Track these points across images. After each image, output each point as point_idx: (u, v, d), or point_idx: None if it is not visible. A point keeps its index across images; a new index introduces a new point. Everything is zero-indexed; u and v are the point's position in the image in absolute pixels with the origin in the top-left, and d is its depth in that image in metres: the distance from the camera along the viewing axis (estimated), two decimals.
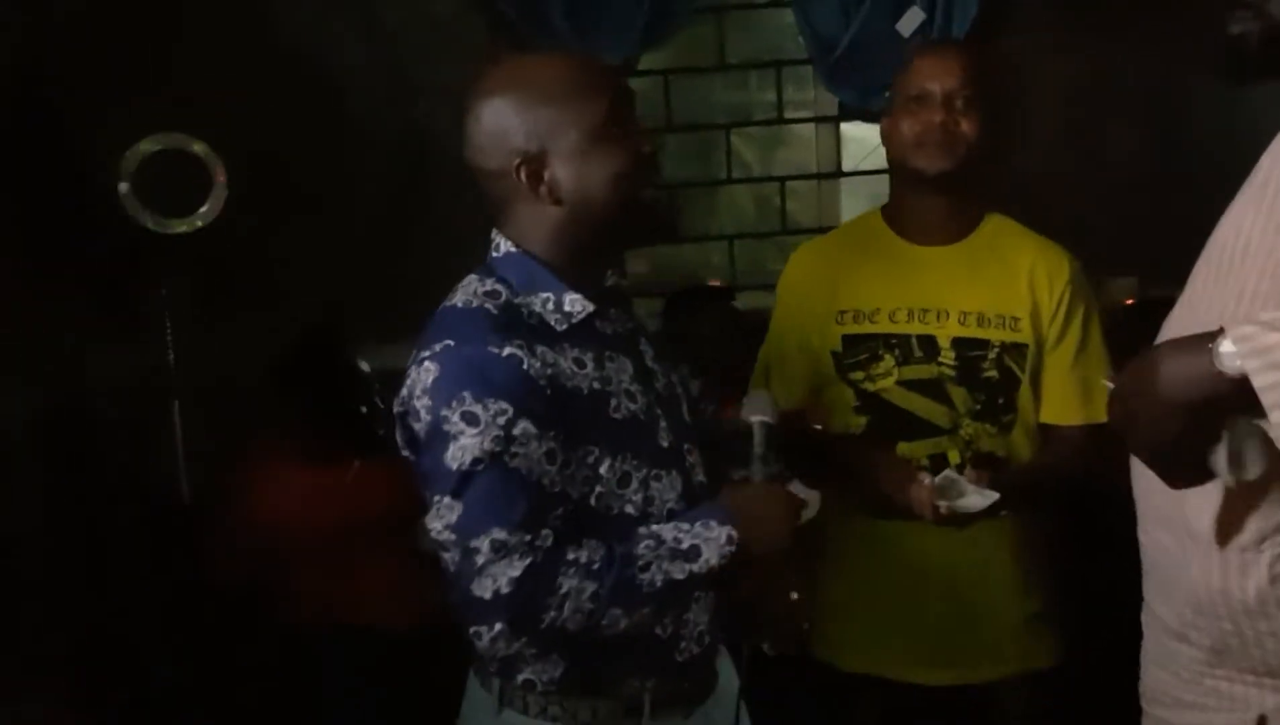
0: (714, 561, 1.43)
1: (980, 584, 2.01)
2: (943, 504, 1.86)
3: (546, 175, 1.43)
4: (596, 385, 1.45)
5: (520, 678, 1.48)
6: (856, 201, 3.45)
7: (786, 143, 3.76)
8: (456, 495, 1.36)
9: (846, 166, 3.52)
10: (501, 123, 1.43)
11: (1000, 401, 2.00)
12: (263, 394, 2.57)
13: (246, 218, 2.91)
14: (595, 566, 1.39)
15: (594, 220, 1.45)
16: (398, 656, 2.51)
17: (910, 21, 3.10)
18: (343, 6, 3.12)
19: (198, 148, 2.83)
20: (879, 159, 3.70)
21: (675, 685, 1.53)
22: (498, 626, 1.37)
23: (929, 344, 2.01)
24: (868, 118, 3.27)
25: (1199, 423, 1.08)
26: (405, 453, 1.45)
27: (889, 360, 2.02)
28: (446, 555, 1.39)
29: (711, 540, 1.44)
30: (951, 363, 2.00)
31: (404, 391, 1.41)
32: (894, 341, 2.02)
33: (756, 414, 1.56)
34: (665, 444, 1.52)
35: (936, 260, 2.03)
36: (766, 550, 1.49)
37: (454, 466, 1.35)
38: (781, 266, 2.23)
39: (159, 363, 2.90)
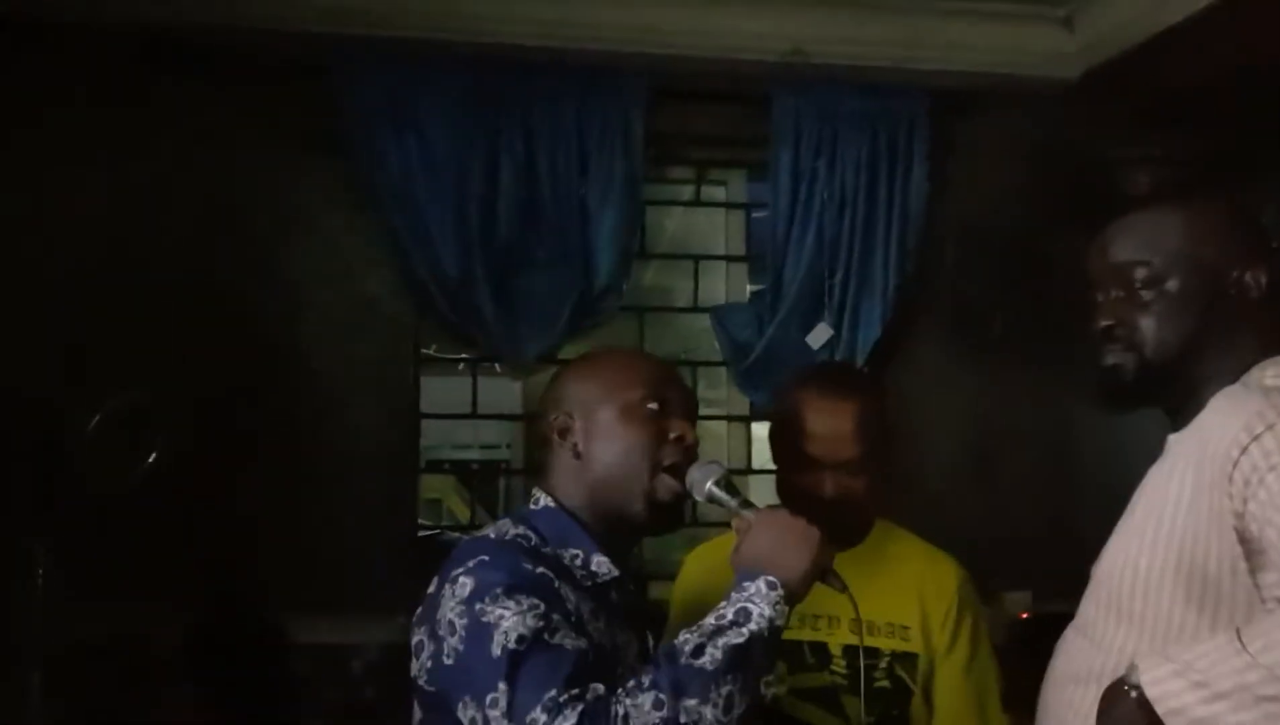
0: (768, 613, 1.41)
1: None
2: None
3: (574, 432, 1.56)
4: (609, 643, 1.47)
5: None
6: (764, 499, 3.52)
7: (700, 439, 3.87)
8: (507, 677, 1.34)
9: (756, 464, 3.62)
10: (558, 391, 1.62)
11: (894, 713, 1.97)
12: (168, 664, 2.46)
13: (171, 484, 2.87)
14: (645, 680, 1.35)
15: (609, 484, 1.55)
16: None
17: (819, 336, 3.30)
18: (273, 283, 3.19)
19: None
20: None
21: None
22: None
23: (820, 651, 1.99)
24: None
25: None
26: (422, 679, 1.44)
27: (781, 667, 1.97)
28: None
29: (755, 597, 1.42)
30: (843, 671, 1.97)
31: (428, 611, 1.43)
32: (786, 648, 1.96)
33: (708, 479, 1.59)
34: None
35: None
36: (810, 571, 1.47)
37: (498, 652, 1.35)
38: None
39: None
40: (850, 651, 1.98)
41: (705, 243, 3.69)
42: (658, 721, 1.32)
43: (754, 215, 3.59)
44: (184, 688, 2.45)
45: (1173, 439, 1.45)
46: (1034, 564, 2.98)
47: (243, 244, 3.16)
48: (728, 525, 3.13)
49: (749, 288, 3.58)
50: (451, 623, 1.40)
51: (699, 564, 2.20)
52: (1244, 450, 1.28)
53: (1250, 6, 2.69)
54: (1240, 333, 1.44)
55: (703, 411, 3.56)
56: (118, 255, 3.00)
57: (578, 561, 1.51)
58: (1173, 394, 1.46)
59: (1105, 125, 3.37)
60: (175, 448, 2.80)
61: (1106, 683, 1.35)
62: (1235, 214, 1.50)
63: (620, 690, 1.35)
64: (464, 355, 3.46)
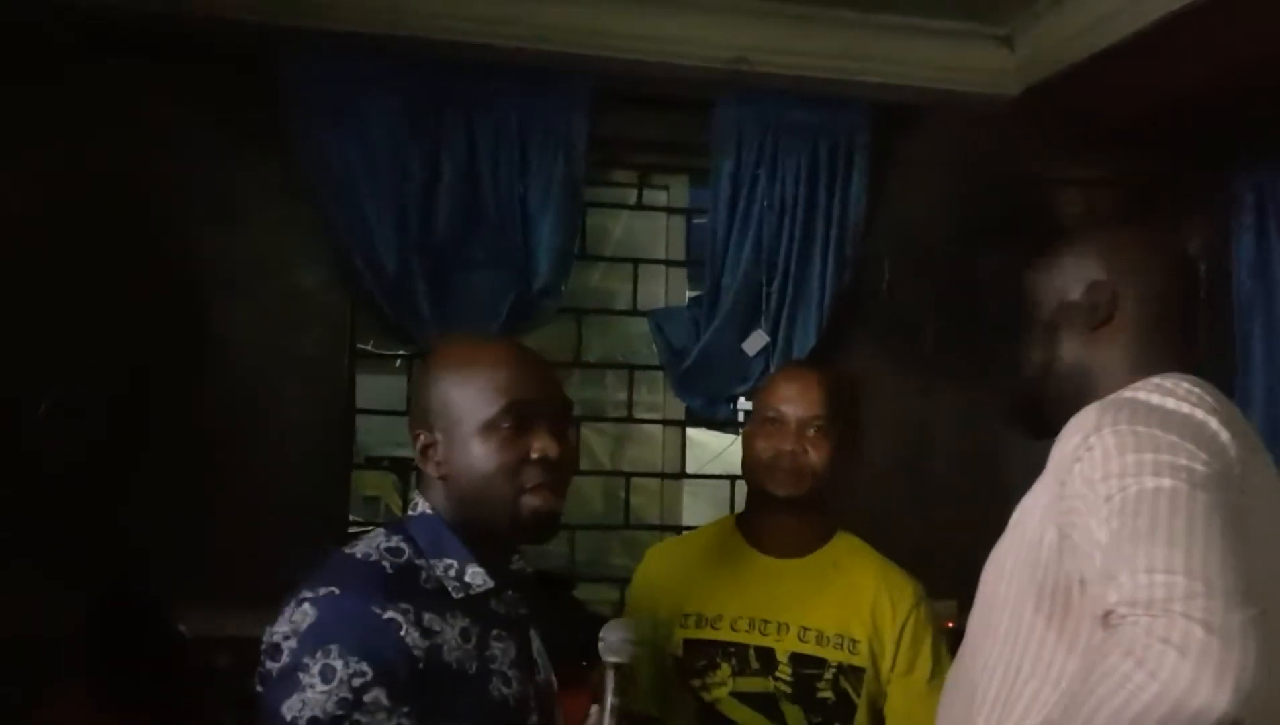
0: None
1: None
2: None
3: (438, 454, 1.50)
4: (475, 663, 1.43)
5: None
6: (698, 503, 3.55)
7: (635, 441, 3.88)
8: None
9: (690, 469, 3.63)
10: (420, 395, 1.53)
11: None
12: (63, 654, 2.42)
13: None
14: None
15: (475, 506, 1.49)
16: None
17: (755, 343, 3.32)
18: (206, 273, 3.15)
19: None
20: (721, 464, 3.85)
21: None
22: None
23: (767, 657, 2.00)
24: (712, 425, 3.41)
25: None
26: (259, 689, 1.38)
27: (725, 669, 1.99)
28: None
29: None
30: (788, 679, 1.98)
31: (273, 628, 1.37)
32: (732, 650, 2.00)
33: (611, 654, 1.50)
34: None
35: (783, 572, 2.06)
36: None
37: (289, 717, 1.30)
38: (623, 560, 2.26)
39: None
40: (796, 659, 1.99)
41: (647, 247, 3.70)
42: None
43: (695, 221, 3.60)
44: (90, 681, 2.39)
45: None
46: (962, 574, 3.01)
47: (176, 232, 3.10)
48: (662, 530, 3.14)
49: (688, 293, 3.60)
50: (278, 647, 1.36)
51: (661, 560, 2.21)
52: (1070, 471, 1.30)
53: (1188, 31, 2.74)
54: (1140, 354, 1.46)
55: (639, 415, 3.64)
56: (39, 241, 2.93)
57: (451, 572, 1.47)
58: (1062, 419, 1.49)
59: (1044, 143, 3.43)
60: (100, 439, 2.76)
61: (976, 694, 1.38)
62: (1152, 238, 1.53)
63: None
64: (401, 352, 3.43)
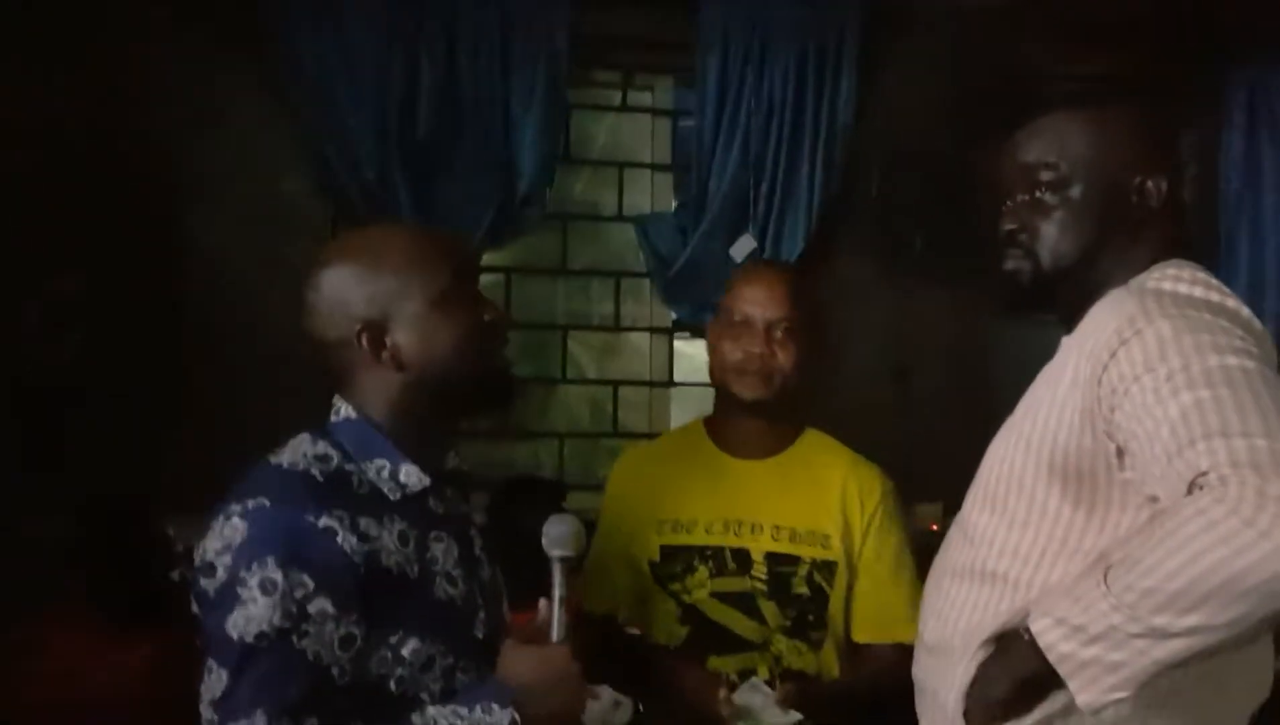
0: None
1: None
2: (742, 721, 1.85)
3: (388, 341, 1.43)
4: (416, 565, 1.41)
5: None
6: (686, 411, 3.55)
7: (622, 351, 3.87)
8: (231, 668, 1.28)
9: (678, 378, 3.63)
10: (343, 291, 1.43)
11: (810, 618, 2.03)
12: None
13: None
14: None
15: (437, 386, 1.45)
16: None
17: (742, 248, 3.29)
18: (184, 178, 3.10)
19: None
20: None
21: None
22: None
23: (742, 557, 2.03)
24: (699, 333, 3.40)
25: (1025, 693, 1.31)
26: (196, 612, 1.36)
27: (703, 572, 2.03)
28: None
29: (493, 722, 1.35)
30: (763, 577, 2.02)
31: (204, 545, 1.34)
32: (708, 553, 2.03)
33: (556, 548, 1.46)
34: (480, 635, 1.47)
35: (753, 474, 2.08)
36: (556, 717, 1.41)
37: (235, 635, 1.28)
38: (610, 470, 2.27)
39: None
40: (771, 558, 2.03)
41: (632, 152, 3.65)
42: None
43: (681, 125, 3.55)
44: (74, 586, 2.40)
45: (1064, 341, 1.48)
46: (947, 477, 3.03)
47: (155, 138, 3.05)
48: (650, 439, 3.12)
49: (674, 200, 3.56)
50: (216, 570, 1.31)
51: (631, 468, 2.22)
52: (1113, 355, 1.31)
53: None
54: (1137, 241, 1.47)
55: (626, 324, 3.61)
56: (15, 146, 2.86)
57: (385, 473, 1.43)
58: (1068, 300, 1.49)
59: (1035, 43, 3.37)
60: (83, 344, 2.74)
61: (978, 576, 1.41)
62: (1143, 122, 1.52)
63: None
64: None
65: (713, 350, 2.09)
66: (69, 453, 2.82)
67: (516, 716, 1.36)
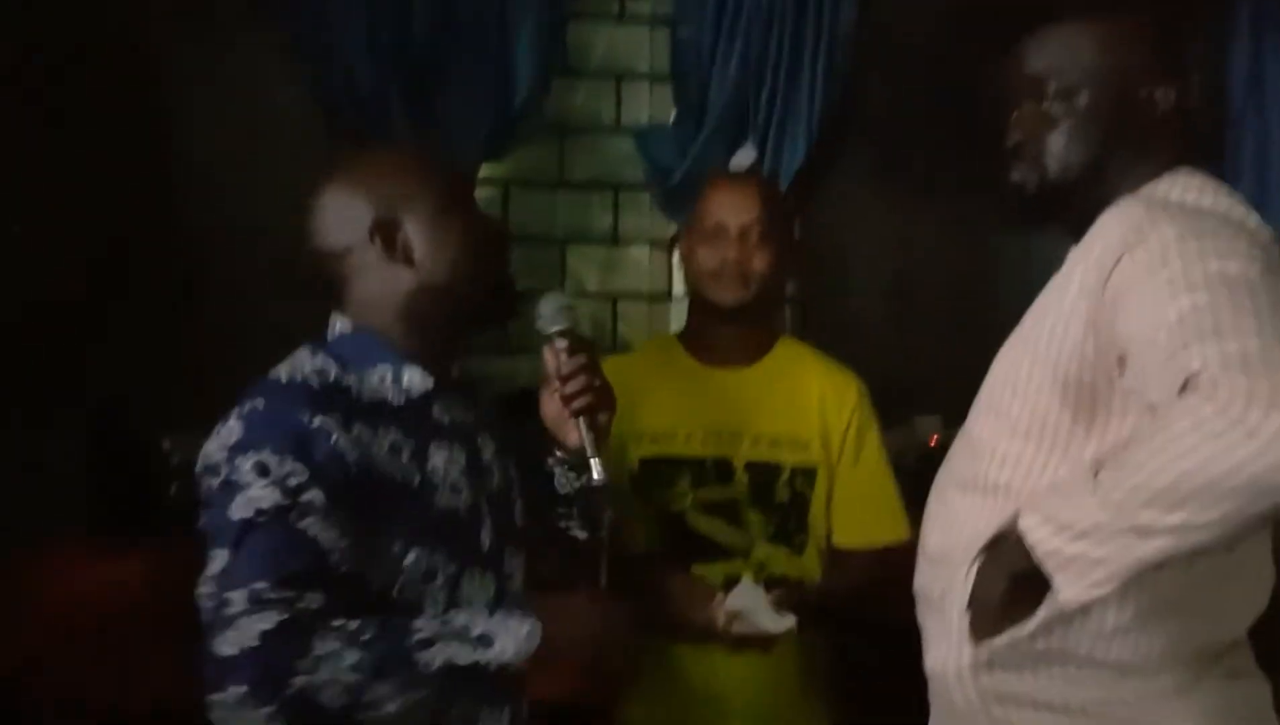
0: (509, 654, 1.34)
1: (775, 706, 2.04)
2: (737, 624, 1.88)
3: (399, 238, 1.44)
4: (415, 473, 1.41)
5: None
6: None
7: (621, 265, 3.84)
8: (231, 544, 1.29)
9: (677, 291, 3.61)
10: (353, 195, 1.45)
11: (792, 524, 2.06)
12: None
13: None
14: (364, 636, 1.29)
15: (444, 289, 1.46)
16: None
17: (742, 159, 3.25)
18: (174, 92, 3.07)
19: None
20: None
21: None
22: (237, 689, 1.24)
23: (723, 467, 2.06)
24: None
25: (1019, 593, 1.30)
26: (202, 521, 1.38)
27: (685, 483, 2.05)
28: (202, 610, 1.30)
29: (512, 631, 1.35)
30: (745, 485, 2.04)
31: (208, 447, 1.36)
32: (690, 464, 2.05)
33: (551, 324, 1.55)
34: (485, 544, 1.48)
35: (730, 383, 2.10)
36: (576, 659, 1.42)
37: (235, 517, 1.29)
38: None
39: None
40: (752, 467, 2.05)
41: (630, 63, 3.58)
42: (345, 686, 1.27)
43: (679, 35, 3.48)
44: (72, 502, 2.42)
45: (1072, 251, 1.47)
46: (948, 390, 3.04)
47: (144, 52, 3.01)
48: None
49: (673, 111, 3.50)
50: (217, 466, 1.35)
51: (610, 374, 2.21)
52: (1117, 261, 1.30)
53: None
54: (1145, 150, 1.45)
55: (625, 236, 3.58)
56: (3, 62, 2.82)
57: (386, 380, 1.44)
58: (1075, 211, 1.47)
59: None
60: (75, 264, 2.73)
61: (980, 488, 1.42)
62: (1151, 31, 1.50)
63: (337, 623, 1.28)
64: None
65: (687, 259, 2.11)
66: (65, 370, 2.82)
67: (538, 629, 1.36)
